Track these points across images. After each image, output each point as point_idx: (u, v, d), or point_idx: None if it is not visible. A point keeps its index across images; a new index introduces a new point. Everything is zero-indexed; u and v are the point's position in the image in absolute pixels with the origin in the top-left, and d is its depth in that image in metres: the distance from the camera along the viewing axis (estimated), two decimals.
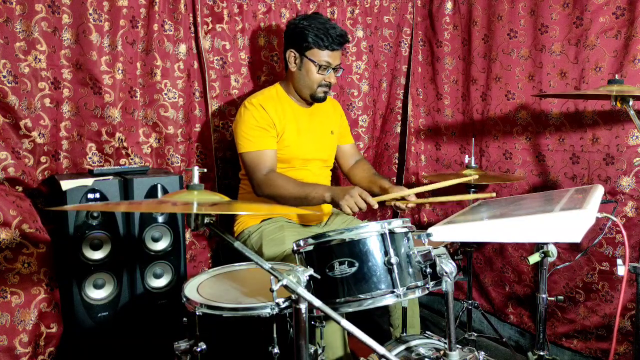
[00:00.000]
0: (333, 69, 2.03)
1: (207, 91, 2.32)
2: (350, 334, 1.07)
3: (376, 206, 1.78)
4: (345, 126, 2.39)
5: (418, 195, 1.92)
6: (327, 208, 2.23)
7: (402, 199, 1.90)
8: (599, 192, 1.56)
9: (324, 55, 1.99)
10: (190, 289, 1.45)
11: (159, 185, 1.88)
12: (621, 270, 1.42)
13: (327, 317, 1.16)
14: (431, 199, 2.01)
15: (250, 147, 1.99)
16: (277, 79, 2.47)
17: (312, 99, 2.09)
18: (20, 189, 1.85)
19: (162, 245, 1.92)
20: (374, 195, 2.01)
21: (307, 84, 2.05)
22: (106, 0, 2.01)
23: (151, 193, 1.86)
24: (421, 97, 2.86)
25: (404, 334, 1.64)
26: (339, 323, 1.06)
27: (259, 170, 1.96)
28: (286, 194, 1.90)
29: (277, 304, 1.27)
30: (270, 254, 1.92)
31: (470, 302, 2.33)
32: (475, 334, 2.34)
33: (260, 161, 1.97)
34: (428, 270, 1.32)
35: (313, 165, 2.15)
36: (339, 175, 2.73)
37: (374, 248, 1.29)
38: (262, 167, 1.96)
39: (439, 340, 1.54)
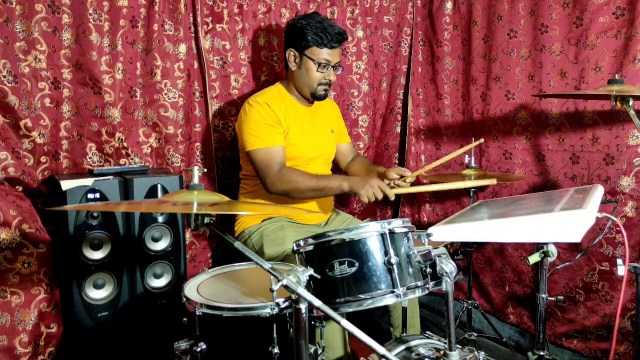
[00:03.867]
0: (333, 66, 2.04)
1: (207, 91, 2.32)
2: (350, 334, 1.07)
3: (393, 198, 1.82)
4: (343, 126, 2.41)
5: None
6: (328, 208, 2.23)
7: (401, 176, 2.01)
8: (599, 192, 1.56)
9: (323, 53, 1.99)
10: (190, 289, 1.45)
11: (159, 185, 1.88)
12: (621, 270, 1.42)
13: (327, 317, 1.16)
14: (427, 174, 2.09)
15: (259, 144, 1.97)
16: (277, 79, 2.47)
17: (313, 97, 2.10)
18: (20, 189, 1.85)
19: (162, 245, 1.92)
20: None
21: (307, 82, 2.05)
22: (106, 0, 2.01)
23: (151, 193, 1.86)
24: (421, 97, 2.85)
25: (404, 334, 1.64)
26: (339, 323, 1.06)
27: (271, 167, 1.95)
28: (303, 187, 1.91)
29: (277, 304, 1.27)
30: (270, 253, 1.93)
31: (470, 302, 2.33)
32: (475, 334, 2.35)
33: (271, 158, 1.96)
34: (428, 270, 1.33)
35: (315, 163, 2.16)
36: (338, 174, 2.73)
37: (374, 248, 1.29)
38: (274, 164, 1.95)
39: (439, 340, 1.54)
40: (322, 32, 1.97)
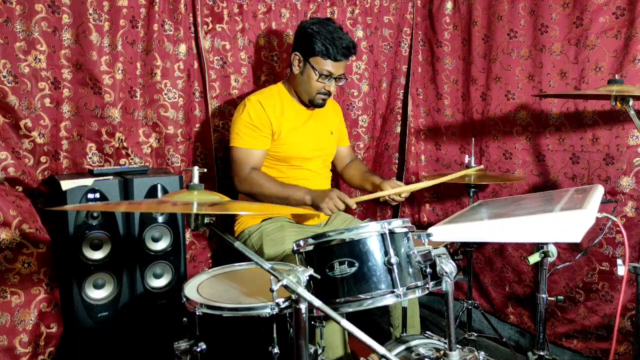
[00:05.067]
0: (335, 78, 2.03)
1: (207, 91, 2.32)
2: (350, 334, 1.07)
3: (354, 206, 1.90)
4: (344, 129, 2.41)
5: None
6: None
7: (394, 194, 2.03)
8: (599, 192, 1.56)
9: (326, 65, 1.99)
10: (190, 289, 1.45)
11: (159, 185, 1.88)
12: (621, 270, 1.42)
13: (327, 317, 1.16)
14: (422, 184, 2.10)
15: (239, 144, 2.02)
16: (277, 79, 2.47)
17: (311, 104, 2.10)
18: (20, 189, 1.85)
19: (162, 245, 1.92)
20: (367, 192, 2.11)
21: (306, 89, 2.05)
22: (106, 0, 2.01)
23: (151, 193, 1.86)
24: (421, 97, 2.85)
25: (404, 334, 1.64)
26: (339, 323, 1.06)
27: (243, 168, 2.01)
28: (267, 193, 1.96)
29: (277, 304, 1.27)
30: (270, 253, 1.93)
31: (470, 302, 2.33)
32: (475, 334, 2.35)
33: (246, 159, 2.02)
34: (428, 270, 1.32)
35: (313, 164, 2.16)
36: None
37: (374, 248, 1.29)
38: (246, 165, 2.01)
39: (439, 340, 1.54)
40: (329, 43, 1.95)
